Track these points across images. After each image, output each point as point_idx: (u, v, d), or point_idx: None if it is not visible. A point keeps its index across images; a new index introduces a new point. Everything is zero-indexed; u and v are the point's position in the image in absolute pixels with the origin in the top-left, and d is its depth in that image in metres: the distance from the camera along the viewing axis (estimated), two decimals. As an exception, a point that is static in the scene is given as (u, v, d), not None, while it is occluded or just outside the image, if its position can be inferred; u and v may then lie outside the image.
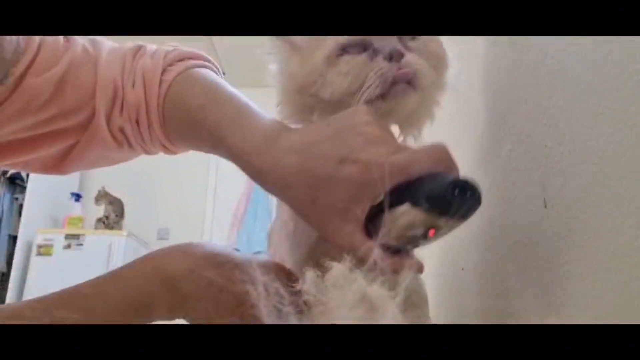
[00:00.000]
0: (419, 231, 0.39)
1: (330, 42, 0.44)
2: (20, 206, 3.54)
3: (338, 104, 0.44)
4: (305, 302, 0.38)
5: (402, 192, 0.39)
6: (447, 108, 0.70)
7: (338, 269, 0.40)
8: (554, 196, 0.40)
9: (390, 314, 0.36)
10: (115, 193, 3.59)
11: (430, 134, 0.67)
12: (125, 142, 0.54)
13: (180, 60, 0.53)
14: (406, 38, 0.45)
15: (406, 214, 0.38)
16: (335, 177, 0.40)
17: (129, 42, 0.55)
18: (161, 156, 0.61)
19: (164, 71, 0.52)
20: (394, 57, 0.43)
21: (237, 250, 0.50)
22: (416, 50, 0.45)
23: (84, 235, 3.35)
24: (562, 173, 0.39)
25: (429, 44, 0.46)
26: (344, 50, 0.44)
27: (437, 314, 0.49)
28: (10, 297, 3.27)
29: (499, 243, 0.51)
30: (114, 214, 3.58)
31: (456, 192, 0.37)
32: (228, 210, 3.51)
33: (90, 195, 3.66)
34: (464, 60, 0.65)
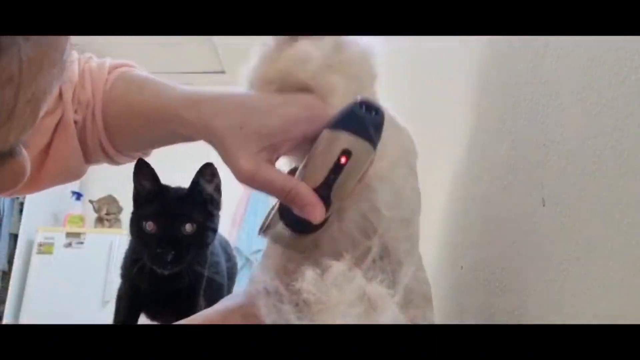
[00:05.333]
0: (334, 156, 0.41)
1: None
2: (21, 204, 3.54)
3: None
4: (304, 301, 0.38)
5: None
6: (446, 108, 0.70)
7: (337, 267, 0.40)
8: (552, 194, 0.41)
9: (390, 312, 0.36)
10: (116, 192, 3.59)
11: (430, 133, 0.67)
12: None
13: (120, 67, 0.58)
14: None
15: (322, 139, 0.42)
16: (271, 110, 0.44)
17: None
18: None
19: (108, 72, 0.57)
20: None
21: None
22: None
23: (84, 233, 3.35)
24: (560, 171, 0.39)
25: None
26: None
27: (435, 313, 0.49)
28: (11, 295, 3.28)
29: (497, 241, 0.51)
30: (107, 213, 3.59)
31: (363, 108, 0.41)
32: (228, 210, 3.52)
33: (90, 194, 3.66)
34: (464, 59, 0.65)
